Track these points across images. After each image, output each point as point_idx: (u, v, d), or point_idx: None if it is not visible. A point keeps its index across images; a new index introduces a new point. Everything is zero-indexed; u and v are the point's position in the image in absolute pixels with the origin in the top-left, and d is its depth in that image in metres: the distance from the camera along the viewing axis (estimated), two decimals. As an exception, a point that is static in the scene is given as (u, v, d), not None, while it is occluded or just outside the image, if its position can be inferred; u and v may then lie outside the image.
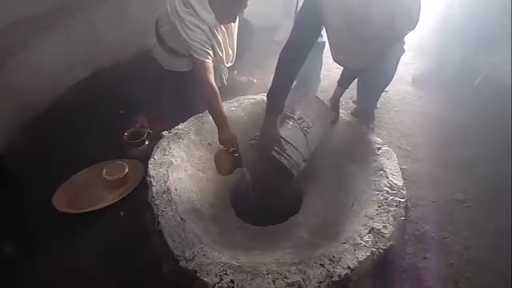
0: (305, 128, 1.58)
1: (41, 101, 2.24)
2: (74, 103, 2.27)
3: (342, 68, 1.76)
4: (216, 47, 1.79)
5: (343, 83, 1.81)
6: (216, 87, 1.63)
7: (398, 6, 1.07)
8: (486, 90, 2.37)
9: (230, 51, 1.97)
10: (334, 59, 1.27)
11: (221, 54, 1.86)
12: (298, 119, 1.59)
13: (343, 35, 1.14)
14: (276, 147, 1.53)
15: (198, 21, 1.66)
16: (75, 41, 2.37)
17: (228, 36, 1.90)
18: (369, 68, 1.52)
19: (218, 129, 1.57)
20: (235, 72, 2.34)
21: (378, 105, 2.25)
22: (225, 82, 2.06)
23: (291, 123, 1.58)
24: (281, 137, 1.55)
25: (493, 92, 2.37)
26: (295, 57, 1.47)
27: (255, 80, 2.44)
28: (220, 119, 1.58)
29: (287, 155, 1.53)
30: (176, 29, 1.70)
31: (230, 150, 1.55)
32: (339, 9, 1.11)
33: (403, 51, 1.74)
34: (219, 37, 1.79)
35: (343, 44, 1.19)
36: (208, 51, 1.70)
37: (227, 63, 1.99)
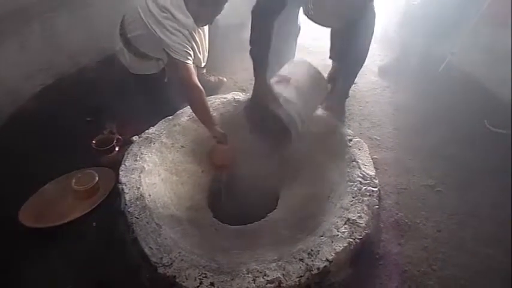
0: (300, 89, 1.61)
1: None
2: (37, 112, 2.16)
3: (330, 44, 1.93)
4: (196, 49, 1.81)
5: (335, 55, 1.90)
6: (201, 87, 1.65)
7: None
8: (449, 78, 2.47)
9: (205, 53, 1.99)
10: (313, 19, 1.30)
11: (199, 56, 1.88)
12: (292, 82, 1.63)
13: None
14: (272, 97, 1.55)
15: (177, 25, 1.67)
16: (32, 47, 2.26)
17: (203, 37, 1.91)
18: (347, 24, 1.56)
19: (208, 128, 1.63)
20: (204, 71, 2.31)
21: (349, 95, 2.28)
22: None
23: (285, 83, 1.62)
24: (277, 92, 1.57)
25: (455, 79, 2.48)
26: (270, 11, 1.50)
27: (224, 79, 2.41)
28: (209, 118, 1.64)
29: (285, 108, 1.54)
30: (151, 33, 1.69)
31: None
32: None
33: (374, 14, 1.73)
34: (197, 39, 1.81)
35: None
36: (190, 52, 1.72)
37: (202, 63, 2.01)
